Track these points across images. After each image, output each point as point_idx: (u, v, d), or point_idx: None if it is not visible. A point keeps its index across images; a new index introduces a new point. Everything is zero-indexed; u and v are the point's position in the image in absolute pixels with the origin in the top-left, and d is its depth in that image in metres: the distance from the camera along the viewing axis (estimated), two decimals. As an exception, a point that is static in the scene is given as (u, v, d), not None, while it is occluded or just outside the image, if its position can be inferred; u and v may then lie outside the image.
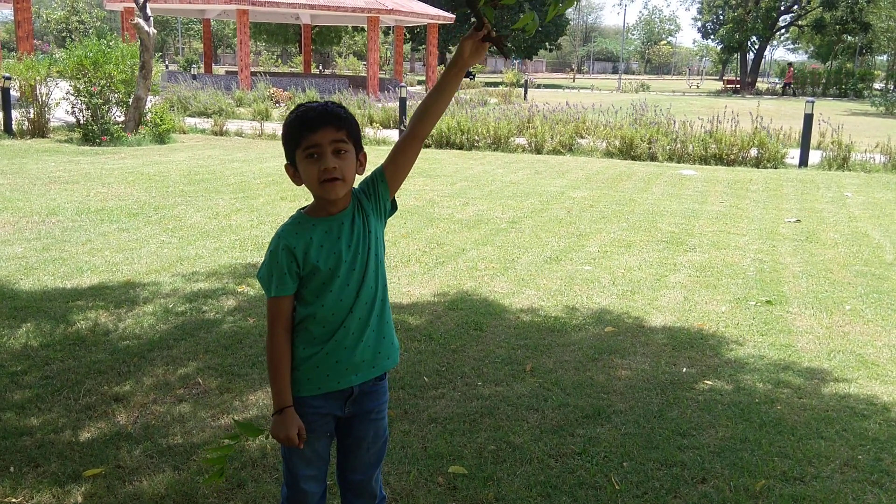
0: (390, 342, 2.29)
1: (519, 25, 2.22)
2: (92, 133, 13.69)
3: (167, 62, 57.75)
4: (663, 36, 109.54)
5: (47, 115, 14.81)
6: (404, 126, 16.16)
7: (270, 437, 2.24)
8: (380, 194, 2.22)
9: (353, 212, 2.19)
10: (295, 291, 2.17)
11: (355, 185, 2.24)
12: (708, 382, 4.18)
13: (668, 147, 14.17)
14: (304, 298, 2.18)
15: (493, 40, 2.09)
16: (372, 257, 2.20)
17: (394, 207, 2.27)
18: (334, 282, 2.16)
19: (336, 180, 2.11)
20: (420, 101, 2.24)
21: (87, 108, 13.83)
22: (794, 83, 46.09)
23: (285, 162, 2.21)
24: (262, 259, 2.19)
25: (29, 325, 4.75)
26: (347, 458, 2.35)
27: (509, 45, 2.31)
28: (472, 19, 2.08)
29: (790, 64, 52.08)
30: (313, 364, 2.19)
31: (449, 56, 58.64)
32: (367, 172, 2.26)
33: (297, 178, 2.18)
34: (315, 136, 2.09)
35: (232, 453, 2.62)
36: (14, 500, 2.93)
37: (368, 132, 16.43)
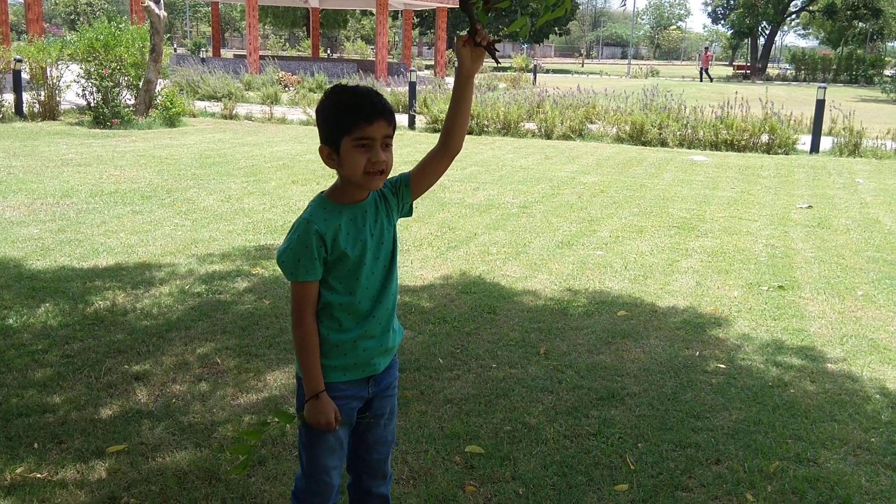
0: (399, 327, 2.38)
1: (512, 29, 2.26)
2: (103, 116, 13.72)
3: (175, 45, 57.61)
4: (673, 20, 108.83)
5: (58, 98, 14.84)
6: (415, 111, 16.13)
7: (302, 424, 2.21)
8: (402, 196, 2.27)
9: (375, 202, 2.22)
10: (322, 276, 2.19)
11: None
12: (721, 366, 4.21)
13: (678, 133, 14.14)
14: (331, 285, 2.18)
15: (485, 46, 2.07)
16: (396, 249, 2.26)
17: (410, 212, 2.33)
18: (361, 270, 2.18)
19: (382, 174, 2.13)
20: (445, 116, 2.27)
21: (98, 91, 13.85)
22: (800, 69, 45.63)
23: (320, 144, 2.16)
24: (284, 243, 2.16)
25: (48, 304, 4.80)
26: (366, 437, 2.36)
27: (498, 51, 2.29)
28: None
29: (707, 48, 51.63)
30: (341, 351, 2.21)
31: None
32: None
33: (331, 160, 2.14)
34: (370, 129, 2.08)
35: (258, 444, 2.62)
36: (39, 475, 2.98)
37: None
